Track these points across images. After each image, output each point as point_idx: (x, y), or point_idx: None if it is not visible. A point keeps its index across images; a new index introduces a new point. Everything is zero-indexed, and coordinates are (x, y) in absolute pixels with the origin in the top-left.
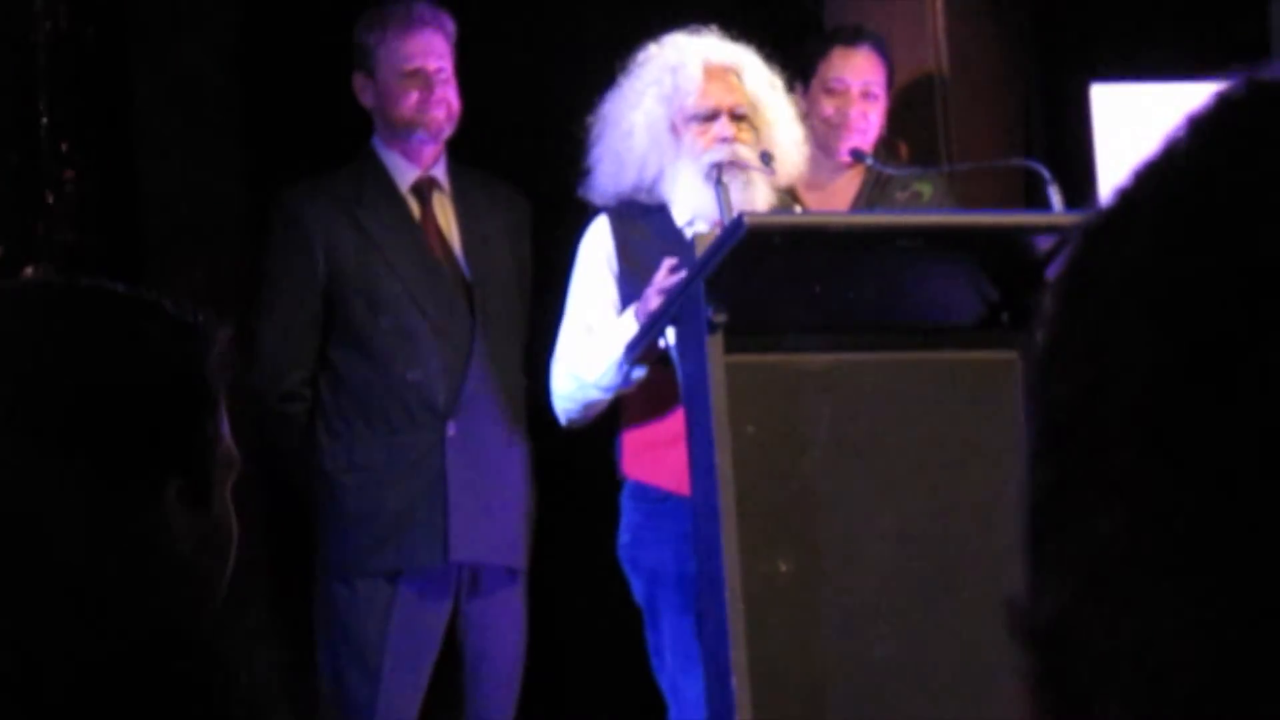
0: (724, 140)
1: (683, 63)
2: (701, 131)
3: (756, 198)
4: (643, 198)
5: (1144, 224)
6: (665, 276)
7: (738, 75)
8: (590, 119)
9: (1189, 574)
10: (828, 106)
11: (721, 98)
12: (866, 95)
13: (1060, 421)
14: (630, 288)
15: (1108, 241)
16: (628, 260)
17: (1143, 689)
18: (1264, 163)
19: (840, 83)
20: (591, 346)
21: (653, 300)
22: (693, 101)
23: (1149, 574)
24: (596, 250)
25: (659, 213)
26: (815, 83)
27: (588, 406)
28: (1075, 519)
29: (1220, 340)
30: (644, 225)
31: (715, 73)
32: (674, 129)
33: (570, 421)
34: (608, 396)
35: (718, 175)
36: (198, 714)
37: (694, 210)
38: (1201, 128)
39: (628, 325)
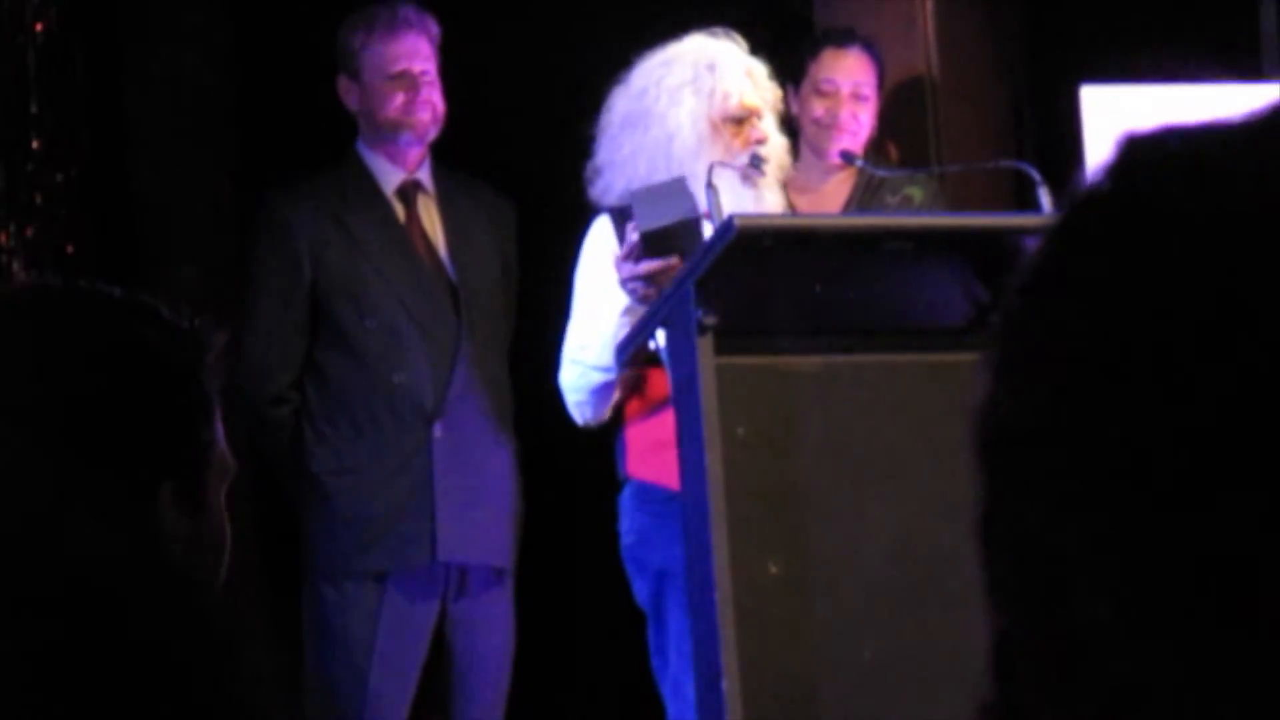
0: (759, 142)
1: (718, 62)
2: (735, 133)
3: (777, 201)
4: None
5: (1083, 250)
6: (624, 259)
7: (753, 76)
8: (604, 119)
9: (1129, 596)
10: (818, 107)
11: (753, 99)
12: (857, 96)
13: (1008, 439)
14: None
15: (1051, 269)
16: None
17: (1080, 706)
18: (1205, 191)
19: (830, 84)
20: (588, 330)
21: (630, 283)
22: (734, 102)
23: (1092, 596)
24: (601, 250)
25: None
26: (806, 84)
27: (596, 393)
28: (1020, 540)
29: (1169, 357)
30: None
31: (748, 74)
32: (714, 128)
33: (586, 418)
34: (610, 377)
35: (709, 176)
36: (193, 710)
37: (731, 211)
38: (1134, 150)
39: (622, 301)
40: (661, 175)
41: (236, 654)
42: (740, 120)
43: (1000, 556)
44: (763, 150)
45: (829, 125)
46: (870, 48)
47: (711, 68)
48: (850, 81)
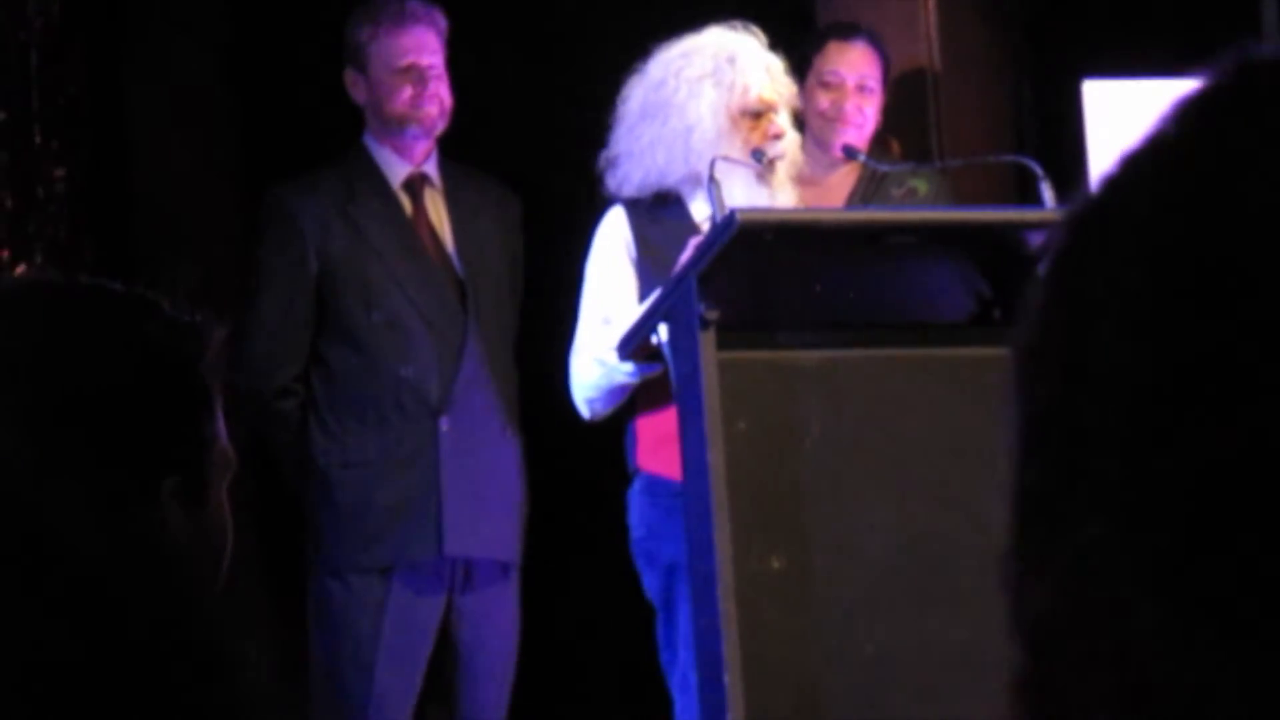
0: (776, 137)
1: (739, 55)
2: (753, 126)
3: (790, 199)
4: (657, 190)
5: (1128, 225)
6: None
7: (769, 71)
8: (621, 110)
9: (1169, 587)
10: (823, 100)
11: (771, 94)
12: (862, 89)
13: (1042, 425)
14: (648, 279)
15: (1093, 240)
16: (646, 252)
17: (1123, 699)
18: (1253, 163)
19: (835, 76)
20: (619, 331)
21: None
22: (754, 95)
23: (1129, 584)
24: (615, 240)
25: (675, 205)
26: (811, 77)
27: (613, 393)
28: (1058, 525)
29: (1204, 352)
30: (661, 218)
31: (767, 69)
32: (733, 120)
33: (594, 413)
34: (634, 380)
35: (710, 170)
36: (195, 708)
37: (746, 204)
38: (1189, 118)
39: (638, 295)
40: (679, 167)
41: (237, 651)
42: (758, 114)
43: (1045, 537)
44: (780, 145)
45: (834, 118)
46: (875, 41)
47: (732, 60)
48: (855, 74)
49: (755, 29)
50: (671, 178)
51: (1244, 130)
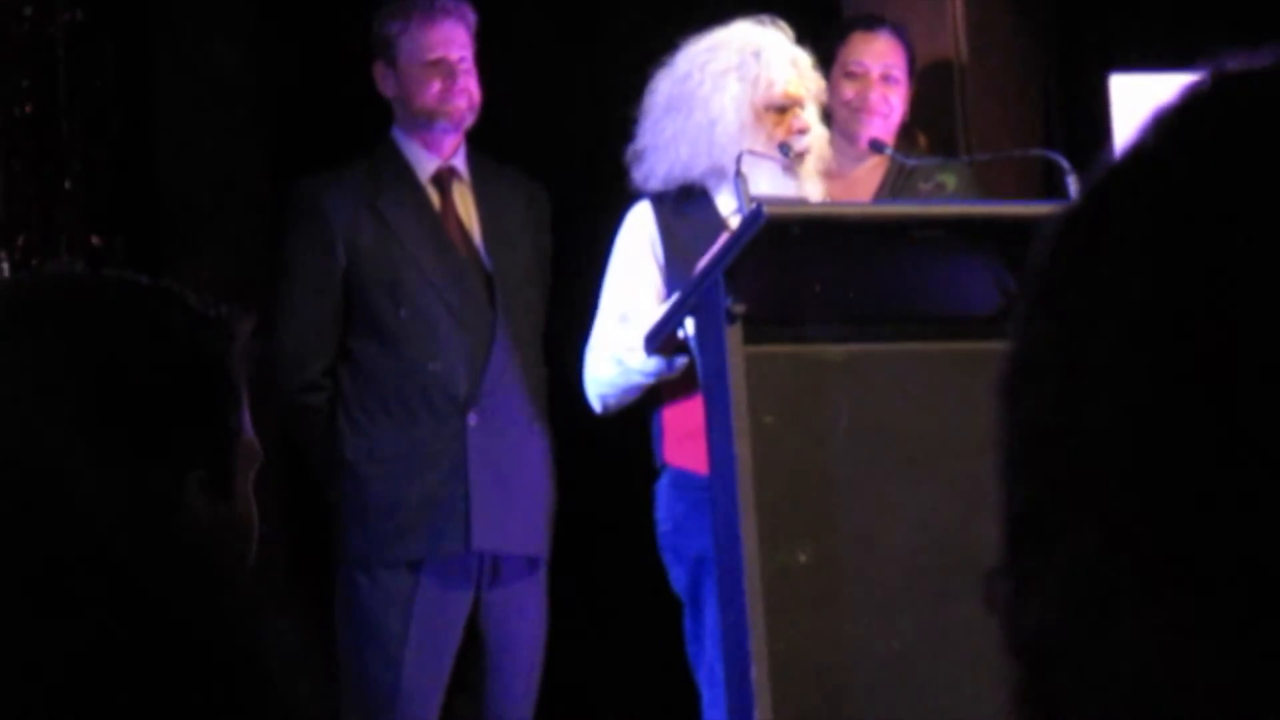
0: (801, 132)
1: (764, 49)
2: (778, 121)
3: (817, 193)
4: (684, 184)
5: (1112, 231)
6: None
7: (797, 66)
8: (647, 103)
9: (1168, 596)
10: (848, 90)
11: (797, 89)
12: (887, 79)
13: (1035, 437)
14: (674, 273)
15: (1080, 253)
16: (672, 246)
17: (1124, 711)
18: (1232, 169)
19: (860, 66)
20: (638, 331)
21: None
22: (779, 90)
23: (1128, 596)
24: (639, 235)
25: (701, 198)
26: (835, 69)
27: (627, 392)
28: (1053, 537)
29: (1202, 360)
30: (687, 212)
31: (793, 63)
32: (757, 115)
33: (606, 408)
34: (649, 381)
35: (738, 164)
36: (227, 700)
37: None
38: (1167, 126)
39: (660, 292)
40: (703, 160)
41: (265, 639)
42: (783, 109)
43: (1039, 551)
44: (805, 140)
45: (859, 108)
46: (899, 32)
47: (757, 55)
48: (880, 64)
49: (782, 23)
50: (695, 171)
51: (1222, 139)
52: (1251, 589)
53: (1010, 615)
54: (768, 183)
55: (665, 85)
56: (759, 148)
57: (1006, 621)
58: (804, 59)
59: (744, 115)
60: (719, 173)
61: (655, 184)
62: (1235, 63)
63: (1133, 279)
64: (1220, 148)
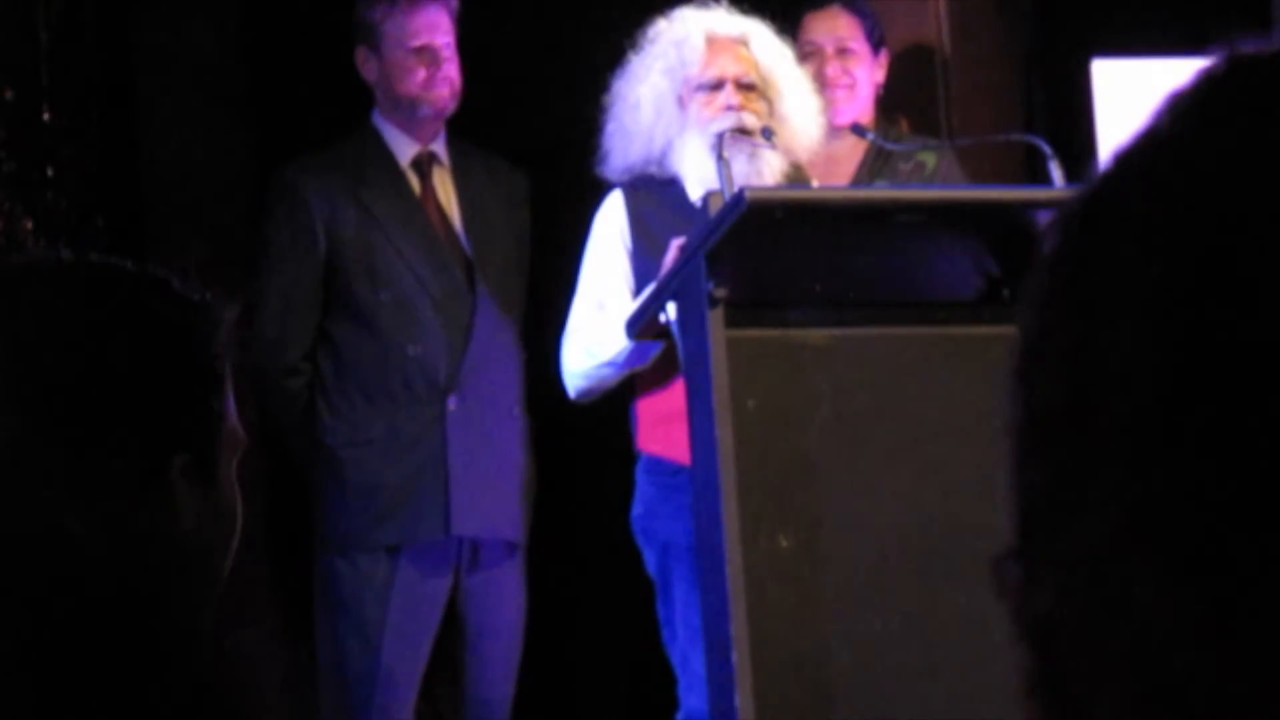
0: (730, 109)
1: (687, 35)
2: (707, 102)
3: (764, 170)
4: (655, 171)
5: (1127, 217)
6: (675, 257)
7: (745, 45)
8: (604, 97)
9: (1183, 579)
10: (809, 69)
11: (726, 67)
12: (842, 51)
13: (1046, 423)
14: (644, 262)
15: (1092, 239)
16: (641, 235)
17: (1138, 691)
18: (1248, 152)
19: (811, 44)
20: (606, 322)
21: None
22: (697, 71)
23: (1141, 582)
24: (610, 226)
25: (672, 186)
26: (796, 54)
27: (600, 381)
28: (1065, 523)
29: (1215, 346)
30: (657, 199)
31: (721, 43)
32: (680, 101)
33: (580, 396)
34: (621, 373)
35: (719, 147)
36: (193, 692)
37: (702, 181)
38: (1182, 110)
39: (630, 284)
40: (634, 151)
41: (233, 638)
42: (715, 88)
43: (1052, 537)
44: (740, 117)
45: (820, 85)
46: (852, 2)
47: (680, 42)
48: (832, 37)
49: (725, 4)
50: (636, 160)
51: (1238, 122)
52: (1266, 575)
53: (1021, 600)
54: (693, 164)
55: (617, 80)
56: (691, 131)
57: (1017, 607)
58: (750, 34)
59: (662, 104)
60: (658, 161)
61: (612, 174)
62: (1247, 47)
63: (1148, 263)
64: (1235, 131)
